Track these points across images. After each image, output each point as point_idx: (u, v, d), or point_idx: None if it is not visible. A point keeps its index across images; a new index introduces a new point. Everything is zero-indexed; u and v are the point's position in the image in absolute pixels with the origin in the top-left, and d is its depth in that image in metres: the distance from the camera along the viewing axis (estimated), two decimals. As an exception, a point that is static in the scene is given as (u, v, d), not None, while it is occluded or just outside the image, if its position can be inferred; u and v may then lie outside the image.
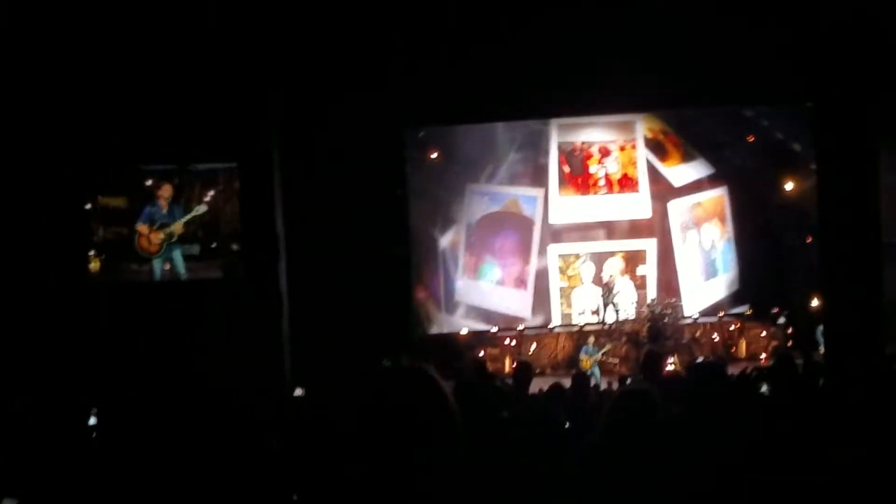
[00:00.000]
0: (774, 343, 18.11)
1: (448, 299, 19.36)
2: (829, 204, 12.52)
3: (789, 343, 17.69)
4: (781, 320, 18.35)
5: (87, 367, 11.63)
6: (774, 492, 4.14)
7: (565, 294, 19.43)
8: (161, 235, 13.97)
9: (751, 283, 19.45)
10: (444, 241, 19.24)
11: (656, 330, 17.76)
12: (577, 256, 19.45)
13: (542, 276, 19.35)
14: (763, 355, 17.82)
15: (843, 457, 4.31)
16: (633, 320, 18.24)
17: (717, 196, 19.69)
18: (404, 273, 18.00)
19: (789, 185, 18.68)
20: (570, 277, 19.42)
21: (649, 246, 19.42)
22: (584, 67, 12.99)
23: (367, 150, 15.70)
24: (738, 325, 18.79)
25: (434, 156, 18.68)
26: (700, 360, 14.60)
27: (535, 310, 19.34)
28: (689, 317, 18.91)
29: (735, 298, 19.53)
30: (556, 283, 19.32)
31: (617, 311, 18.52)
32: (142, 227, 14.06)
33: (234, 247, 13.84)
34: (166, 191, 14.12)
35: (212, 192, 14.03)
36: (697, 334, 18.49)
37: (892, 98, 13.68)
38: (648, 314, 18.09)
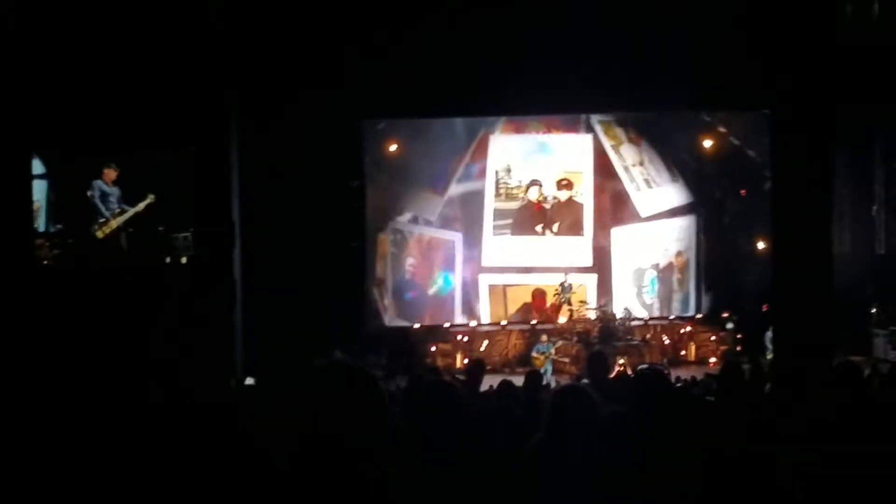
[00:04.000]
0: (723, 347, 18.28)
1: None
2: (783, 210, 12.64)
3: (738, 348, 17.88)
4: (730, 325, 18.52)
5: (32, 351, 11.43)
6: (717, 494, 4.17)
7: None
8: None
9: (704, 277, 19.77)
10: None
11: (608, 331, 17.85)
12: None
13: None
14: (712, 359, 17.99)
15: (789, 463, 4.35)
16: (585, 320, 18.31)
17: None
18: (359, 265, 17.97)
19: (743, 192, 18.90)
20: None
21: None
22: (542, 66, 13.00)
23: (324, 141, 15.64)
24: (689, 328, 18.95)
25: (393, 148, 18.60)
26: (644, 366, 14.65)
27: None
28: (641, 318, 19.03)
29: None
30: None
31: (570, 310, 18.57)
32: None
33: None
34: (110, 174, 13.92)
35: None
36: (648, 336, 18.60)
37: (849, 107, 13.87)
38: (600, 315, 18.17)
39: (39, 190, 13.71)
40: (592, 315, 18.30)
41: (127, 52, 12.36)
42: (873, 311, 16.85)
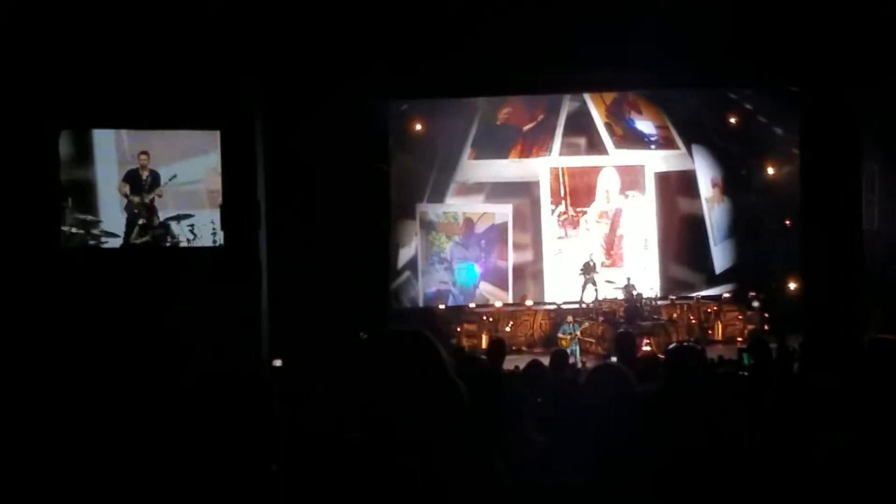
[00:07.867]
0: (751, 327, 18.19)
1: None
2: (811, 188, 12.54)
3: (765, 327, 17.78)
4: (756, 304, 18.41)
5: (58, 336, 11.46)
6: (746, 471, 4.14)
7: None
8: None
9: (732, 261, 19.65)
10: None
11: (633, 310, 17.79)
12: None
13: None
14: (739, 339, 17.90)
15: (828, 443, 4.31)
16: (610, 300, 18.25)
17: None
18: (384, 246, 17.96)
19: (770, 169, 18.76)
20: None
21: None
22: (567, 44, 12.92)
23: (350, 123, 15.60)
24: (715, 307, 18.86)
25: (418, 128, 18.59)
26: (676, 343, 14.61)
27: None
28: (667, 298, 18.96)
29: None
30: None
31: (596, 291, 18.52)
32: (124, 187, 13.85)
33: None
34: (144, 159, 13.96)
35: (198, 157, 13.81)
36: (674, 316, 18.54)
37: (876, 85, 13.71)
38: (626, 295, 18.11)
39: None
40: (620, 295, 18.24)
41: (153, 33, 12.35)
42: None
